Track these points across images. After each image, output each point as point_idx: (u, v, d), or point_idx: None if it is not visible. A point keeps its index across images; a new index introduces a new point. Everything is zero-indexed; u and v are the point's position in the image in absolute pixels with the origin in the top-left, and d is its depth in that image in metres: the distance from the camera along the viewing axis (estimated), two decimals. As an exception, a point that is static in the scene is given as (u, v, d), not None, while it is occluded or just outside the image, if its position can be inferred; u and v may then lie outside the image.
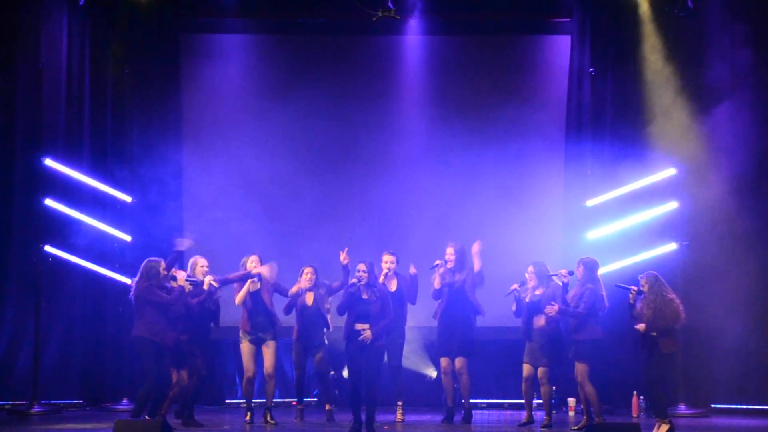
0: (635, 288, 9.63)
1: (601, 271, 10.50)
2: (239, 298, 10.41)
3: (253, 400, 10.69)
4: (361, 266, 9.57)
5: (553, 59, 12.96)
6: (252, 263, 10.43)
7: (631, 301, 9.63)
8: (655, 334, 9.42)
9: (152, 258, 9.65)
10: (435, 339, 10.88)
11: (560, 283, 10.15)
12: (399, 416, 10.73)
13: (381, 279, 10.21)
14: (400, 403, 10.76)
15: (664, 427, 9.42)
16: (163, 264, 9.57)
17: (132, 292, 9.58)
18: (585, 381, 10.12)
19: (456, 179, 12.77)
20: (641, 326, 9.45)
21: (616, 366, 11.74)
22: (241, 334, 10.48)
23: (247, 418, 10.50)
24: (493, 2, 12.90)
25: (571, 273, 10.14)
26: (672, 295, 9.53)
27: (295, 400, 11.07)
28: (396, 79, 12.97)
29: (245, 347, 10.44)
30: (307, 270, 10.67)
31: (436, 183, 12.88)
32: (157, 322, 9.41)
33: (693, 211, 12.16)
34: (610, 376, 11.65)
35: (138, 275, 9.59)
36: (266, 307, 10.42)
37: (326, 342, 10.82)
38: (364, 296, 9.50)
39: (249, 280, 10.35)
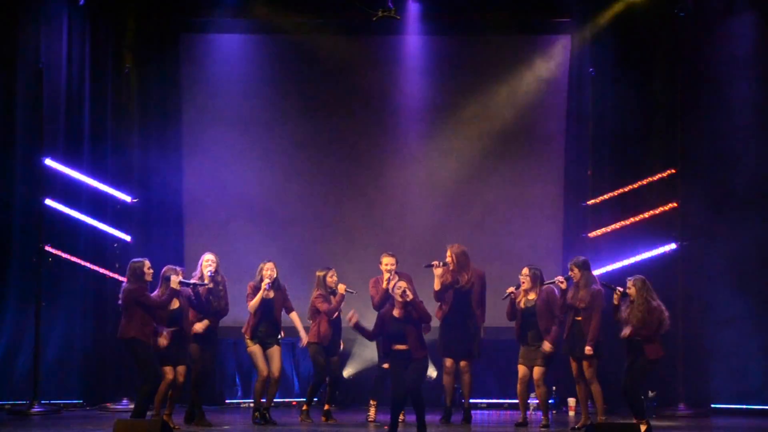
0: (620, 289, 9.50)
1: (601, 270, 10.51)
2: (253, 306, 10.30)
3: (250, 401, 10.63)
4: (402, 284, 9.13)
5: (553, 59, 12.96)
6: (268, 270, 10.35)
7: (616, 302, 9.51)
8: (639, 339, 9.35)
9: (135, 259, 9.67)
10: (437, 339, 10.76)
11: (554, 289, 10.13)
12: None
13: (384, 283, 10.19)
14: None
15: (643, 428, 9.38)
16: (147, 263, 9.59)
17: (121, 296, 9.56)
18: (593, 378, 10.09)
19: (456, 179, 12.78)
20: (626, 332, 9.35)
21: (614, 366, 11.72)
22: (247, 340, 10.39)
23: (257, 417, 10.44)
24: (493, 2, 12.90)
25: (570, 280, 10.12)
26: (657, 302, 9.39)
27: (296, 400, 11.03)
28: (396, 79, 12.97)
29: (256, 349, 10.32)
30: (331, 272, 10.67)
31: (436, 182, 12.88)
32: (147, 323, 9.43)
33: (693, 211, 12.15)
34: (608, 375, 11.64)
35: (126, 279, 9.63)
36: (274, 315, 10.38)
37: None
38: (397, 314, 9.09)
39: (263, 288, 10.24)
